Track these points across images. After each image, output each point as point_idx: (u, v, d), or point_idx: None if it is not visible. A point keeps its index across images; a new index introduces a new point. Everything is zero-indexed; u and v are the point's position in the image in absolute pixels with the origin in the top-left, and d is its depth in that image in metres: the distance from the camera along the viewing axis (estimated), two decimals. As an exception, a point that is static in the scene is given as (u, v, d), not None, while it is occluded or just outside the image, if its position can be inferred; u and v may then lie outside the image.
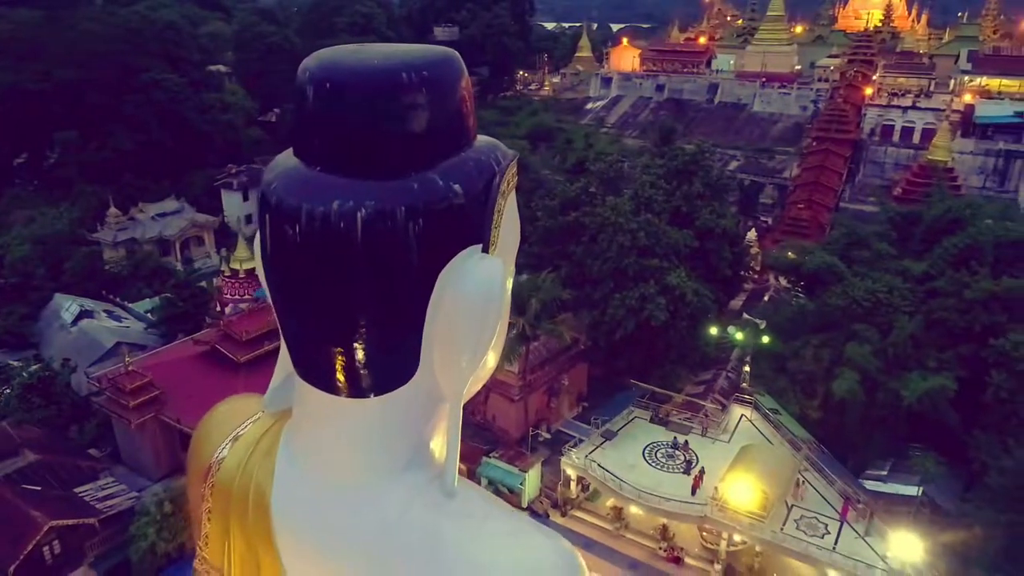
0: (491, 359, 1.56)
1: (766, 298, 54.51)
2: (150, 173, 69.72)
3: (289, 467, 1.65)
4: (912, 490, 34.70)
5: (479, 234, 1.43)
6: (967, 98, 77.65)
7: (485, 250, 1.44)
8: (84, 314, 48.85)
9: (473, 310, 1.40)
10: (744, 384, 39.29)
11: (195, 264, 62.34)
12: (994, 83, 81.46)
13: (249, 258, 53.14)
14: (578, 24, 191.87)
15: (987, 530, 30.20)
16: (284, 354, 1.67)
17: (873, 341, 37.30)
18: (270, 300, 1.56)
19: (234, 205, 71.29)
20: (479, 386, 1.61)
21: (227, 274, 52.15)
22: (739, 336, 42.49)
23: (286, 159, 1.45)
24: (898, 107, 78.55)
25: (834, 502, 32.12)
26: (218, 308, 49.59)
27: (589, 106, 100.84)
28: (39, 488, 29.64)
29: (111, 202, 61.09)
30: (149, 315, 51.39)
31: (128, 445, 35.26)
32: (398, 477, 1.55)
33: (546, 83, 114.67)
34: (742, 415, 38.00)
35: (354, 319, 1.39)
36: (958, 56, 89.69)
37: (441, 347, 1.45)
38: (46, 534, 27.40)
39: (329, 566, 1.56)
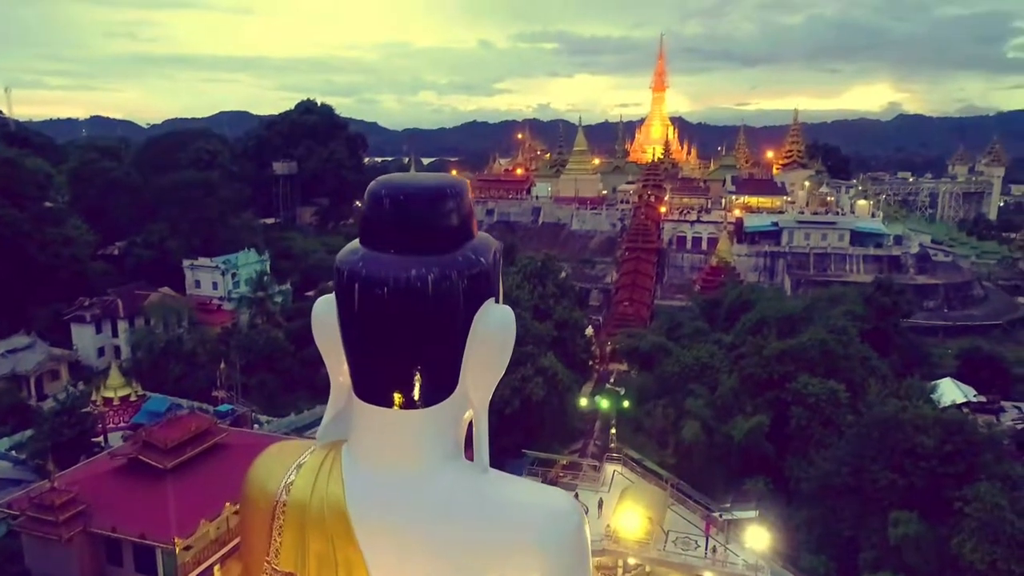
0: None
1: (612, 380, 64.05)
2: (-12, 310, 66.80)
3: (356, 474, 2.10)
4: (751, 513, 43.62)
5: (494, 290, 2.07)
6: (736, 212, 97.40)
7: (497, 300, 2.09)
8: (-58, 456, 46.48)
9: (496, 341, 2.01)
10: (612, 444, 47.06)
11: (52, 398, 60.07)
12: (753, 200, 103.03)
13: (123, 385, 53.91)
14: (390, 159, 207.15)
15: (807, 525, 39.64)
16: (334, 396, 2.23)
17: (705, 396, 47.27)
18: (331, 350, 2.12)
19: (86, 338, 69.47)
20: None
21: (100, 403, 52.28)
22: (604, 404, 50.79)
23: (356, 247, 2.04)
24: (687, 221, 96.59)
25: (697, 524, 40.08)
26: (100, 436, 49.40)
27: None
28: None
29: (-45, 341, 58.31)
30: (14, 452, 49.56)
31: (46, 568, 34.83)
32: (445, 464, 2.09)
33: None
34: (614, 470, 45.50)
35: (420, 351, 1.96)
36: (725, 180, 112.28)
37: (473, 368, 2.03)
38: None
39: (406, 540, 2.01)
